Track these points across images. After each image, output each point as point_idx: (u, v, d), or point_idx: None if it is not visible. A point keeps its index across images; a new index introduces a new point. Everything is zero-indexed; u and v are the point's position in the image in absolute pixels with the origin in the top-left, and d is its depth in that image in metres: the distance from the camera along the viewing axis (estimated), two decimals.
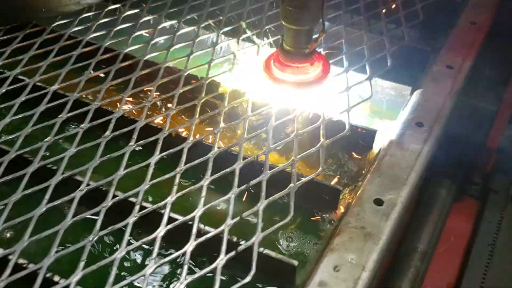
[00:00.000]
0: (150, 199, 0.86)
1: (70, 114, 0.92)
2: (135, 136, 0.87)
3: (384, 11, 1.16)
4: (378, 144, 0.94)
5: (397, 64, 1.04)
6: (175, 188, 0.78)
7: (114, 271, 0.68)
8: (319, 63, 0.97)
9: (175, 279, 0.77)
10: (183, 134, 0.88)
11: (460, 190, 1.20)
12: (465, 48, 1.10)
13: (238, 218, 0.74)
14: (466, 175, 1.22)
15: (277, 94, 0.95)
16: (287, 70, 0.95)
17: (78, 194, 0.78)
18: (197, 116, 0.91)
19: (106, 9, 1.18)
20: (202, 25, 1.13)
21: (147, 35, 1.12)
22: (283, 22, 0.89)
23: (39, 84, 0.99)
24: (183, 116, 1.01)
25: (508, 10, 1.23)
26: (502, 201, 1.15)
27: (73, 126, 0.99)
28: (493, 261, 1.06)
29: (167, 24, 1.14)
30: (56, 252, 0.71)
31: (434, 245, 1.09)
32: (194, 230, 0.72)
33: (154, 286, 0.77)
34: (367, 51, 1.05)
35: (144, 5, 1.20)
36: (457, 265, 1.04)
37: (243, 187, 0.78)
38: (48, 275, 0.69)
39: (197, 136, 0.88)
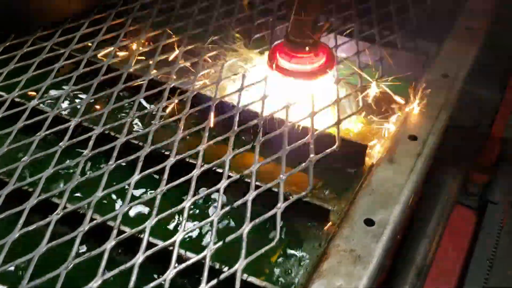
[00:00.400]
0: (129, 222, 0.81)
1: (48, 131, 0.88)
2: (115, 154, 0.84)
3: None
4: (370, 158, 0.91)
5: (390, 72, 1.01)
6: (155, 210, 0.74)
7: None
8: (324, 54, 0.98)
9: None
10: (166, 152, 0.85)
11: (457, 201, 1.17)
12: (461, 56, 1.06)
13: (221, 243, 0.70)
14: (462, 184, 1.19)
15: (266, 105, 0.92)
16: (293, 61, 0.96)
17: (54, 218, 0.75)
18: (180, 131, 0.88)
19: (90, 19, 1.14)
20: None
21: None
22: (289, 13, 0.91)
23: (17, 100, 0.96)
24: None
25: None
26: (501, 213, 1.11)
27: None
28: (491, 276, 1.02)
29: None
30: (30, 280, 0.67)
31: (431, 260, 1.06)
32: (174, 256, 0.69)
33: None
34: (357, 60, 1.01)
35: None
36: (454, 282, 1.00)
37: (227, 208, 0.75)
38: None
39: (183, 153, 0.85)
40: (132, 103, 0.94)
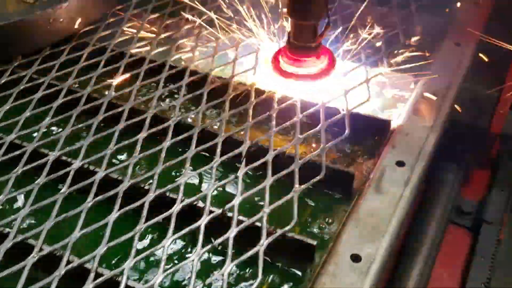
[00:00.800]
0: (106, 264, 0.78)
1: (25, 167, 0.86)
2: (94, 190, 0.81)
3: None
4: (359, 181, 0.88)
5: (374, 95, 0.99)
6: (133, 251, 0.72)
7: None
8: (325, 57, 1.00)
9: None
10: (145, 187, 0.82)
11: (450, 220, 1.15)
12: (450, 74, 1.03)
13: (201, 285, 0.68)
14: (455, 204, 1.17)
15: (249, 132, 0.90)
16: (295, 64, 0.99)
17: (30, 262, 0.72)
18: (161, 164, 0.85)
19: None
20: None
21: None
22: (290, 18, 0.94)
23: None
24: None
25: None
26: (495, 233, 1.08)
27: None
28: None
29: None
30: None
31: (425, 283, 1.03)
32: None
33: None
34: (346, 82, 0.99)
35: None
36: None
37: (208, 247, 0.72)
38: None
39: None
40: (112, 134, 0.91)
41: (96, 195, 0.80)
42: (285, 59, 1.01)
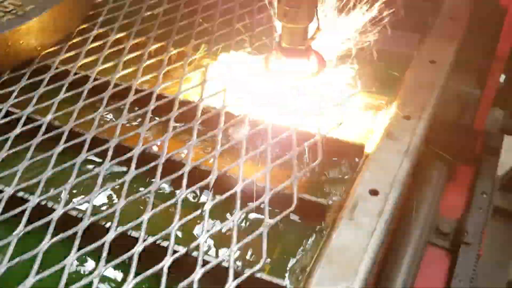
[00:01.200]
0: None
1: None
2: (51, 229, 0.76)
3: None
4: (332, 213, 0.85)
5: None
6: None
7: None
8: (314, 59, 1.02)
9: None
10: (107, 225, 0.78)
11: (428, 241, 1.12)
12: (424, 93, 1.01)
13: None
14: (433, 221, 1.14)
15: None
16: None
17: None
18: (123, 200, 0.81)
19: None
20: None
21: None
22: (280, 21, 0.96)
23: None
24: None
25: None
26: (474, 255, 1.06)
27: None
28: None
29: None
30: None
31: None
32: None
33: None
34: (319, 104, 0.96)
35: None
36: None
37: None
38: None
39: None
40: (73, 165, 0.87)
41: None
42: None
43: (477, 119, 1.25)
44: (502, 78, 1.24)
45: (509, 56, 1.16)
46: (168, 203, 0.80)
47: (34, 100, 1.00)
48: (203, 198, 0.86)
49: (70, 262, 0.72)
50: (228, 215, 0.82)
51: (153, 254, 0.73)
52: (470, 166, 1.28)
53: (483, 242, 1.12)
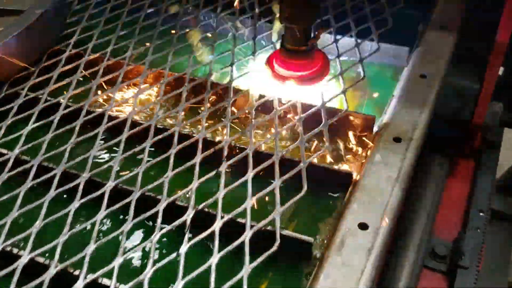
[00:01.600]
0: None
1: None
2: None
3: None
4: (318, 250, 0.80)
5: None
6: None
7: None
8: (319, 60, 1.00)
9: None
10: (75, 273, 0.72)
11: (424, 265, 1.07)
12: (415, 112, 0.95)
13: None
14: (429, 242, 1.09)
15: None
16: (289, 68, 0.98)
17: None
18: (92, 243, 0.75)
19: None
20: None
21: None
22: (283, 22, 0.94)
23: None
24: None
25: None
26: (473, 278, 1.01)
27: None
28: None
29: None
30: None
31: None
32: None
33: None
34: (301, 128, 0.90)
35: None
36: None
37: None
38: None
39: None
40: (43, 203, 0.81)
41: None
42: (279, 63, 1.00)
43: (476, 114, 1.21)
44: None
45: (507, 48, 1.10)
46: (144, 243, 0.74)
47: (1, 132, 0.94)
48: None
49: None
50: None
51: None
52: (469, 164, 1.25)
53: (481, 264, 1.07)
